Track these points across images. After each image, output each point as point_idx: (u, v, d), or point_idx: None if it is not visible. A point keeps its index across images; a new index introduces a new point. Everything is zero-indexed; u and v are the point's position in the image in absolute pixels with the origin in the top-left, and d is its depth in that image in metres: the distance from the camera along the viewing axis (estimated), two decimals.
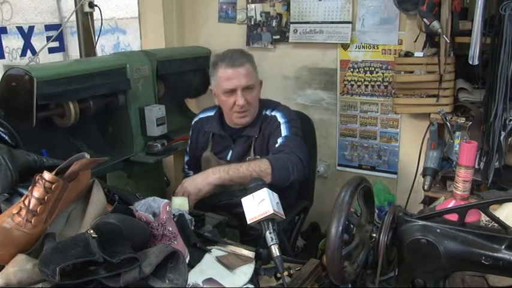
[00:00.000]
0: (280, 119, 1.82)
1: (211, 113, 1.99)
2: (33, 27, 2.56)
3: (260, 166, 1.62)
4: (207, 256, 1.17)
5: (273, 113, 1.86)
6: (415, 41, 2.04)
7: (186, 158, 2.07)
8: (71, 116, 1.86)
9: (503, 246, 0.90)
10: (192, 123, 2.06)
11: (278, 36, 2.52)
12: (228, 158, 1.88)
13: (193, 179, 1.67)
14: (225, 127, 1.92)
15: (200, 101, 2.74)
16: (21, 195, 1.14)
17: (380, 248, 0.97)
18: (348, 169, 2.52)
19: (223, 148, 1.90)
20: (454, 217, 0.97)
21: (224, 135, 1.90)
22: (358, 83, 2.37)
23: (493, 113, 1.69)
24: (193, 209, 1.49)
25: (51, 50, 2.57)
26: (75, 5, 2.35)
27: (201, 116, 2.04)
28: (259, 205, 1.11)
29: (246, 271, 1.12)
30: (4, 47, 2.49)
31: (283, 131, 1.78)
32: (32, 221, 1.03)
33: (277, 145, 1.75)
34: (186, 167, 2.07)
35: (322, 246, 2.29)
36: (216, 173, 1.63)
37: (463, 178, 1.03)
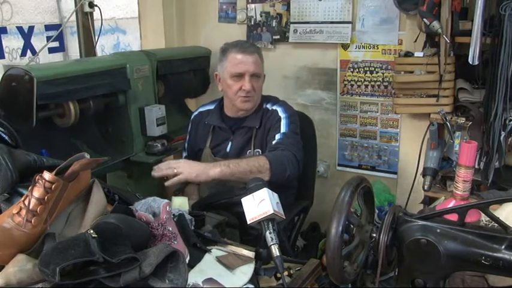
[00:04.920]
0: (281, 114, 1.86)
1: (211, 107, 2.01)
2: (33, 27, 2.56)
3: (259, 161, 1.65)
4: (207, 256, 1.17)
5: (273, 107, 1.89)
6: (415, 41, 2.04)
7: (184, 155, 2.07)
8: (71, 116, 1.86)
9: (503, 246, 0.90)
10: (192, 117, 2.07)
11: (278, 36, 2.52)
12: (228, 149, 1.89)
13: (191, 164, 1.69)
14: (224, 119, 1.94)
15: (200, 101, 2.73)
16: (21, 195, 1.14)
17: (380, 248, 0.98)
18: (348, 169, 2.52)
19: (222, 140, 1.92)
20: (454, 217, 0.97)
21: (224, 128, 1.93)
22: (358, 83, 2.37)
23: (493, 113, 1.69)
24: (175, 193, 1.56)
25: (51, 50, 2.57)
26: (75, 5, 2.34)
27: (201, 109, 2.06)
28: (259, 205, 1.11)
29: (246, 271, 1.12)
30: (4, 47, 2.49)
31: (282, 127, 1.81)
32: (32, 221, 1.03)
33: (274, 141, 1.78)
34: None
35: (322, 246, 2.29)
36: (217, 166, 1.64)
37: (463, 178, 1.03)
